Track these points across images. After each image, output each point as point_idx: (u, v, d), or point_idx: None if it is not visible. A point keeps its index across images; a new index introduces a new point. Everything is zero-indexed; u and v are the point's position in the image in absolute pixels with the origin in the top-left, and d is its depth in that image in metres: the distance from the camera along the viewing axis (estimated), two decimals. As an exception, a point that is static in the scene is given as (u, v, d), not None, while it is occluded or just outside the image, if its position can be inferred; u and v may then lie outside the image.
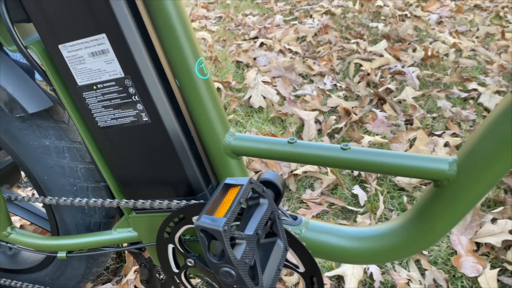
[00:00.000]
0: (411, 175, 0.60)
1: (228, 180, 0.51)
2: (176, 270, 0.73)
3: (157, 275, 0.88)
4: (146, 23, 0.59)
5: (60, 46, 0.60)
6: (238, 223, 0.59)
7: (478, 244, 1.15)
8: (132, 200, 0.69)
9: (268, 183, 0.58)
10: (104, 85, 0.61)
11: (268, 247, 0.53)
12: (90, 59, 0.60)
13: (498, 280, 1.04)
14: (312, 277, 0.64)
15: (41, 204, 1.08)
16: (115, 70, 0.59)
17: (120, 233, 0.79)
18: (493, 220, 1.20)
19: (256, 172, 1.44)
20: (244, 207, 0.54)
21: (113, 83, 0.61)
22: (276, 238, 0.54)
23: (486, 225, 1.18)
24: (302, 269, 0.64)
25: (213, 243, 0.50)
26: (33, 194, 1.38)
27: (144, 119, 0.63)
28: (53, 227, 0.86)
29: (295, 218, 0.71)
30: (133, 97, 0.61)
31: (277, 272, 0.51)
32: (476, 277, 1.05)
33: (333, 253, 0.69)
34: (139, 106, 0.62)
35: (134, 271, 1.07)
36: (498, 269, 1.04)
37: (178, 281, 0.74)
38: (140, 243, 0.78)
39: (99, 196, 0.82)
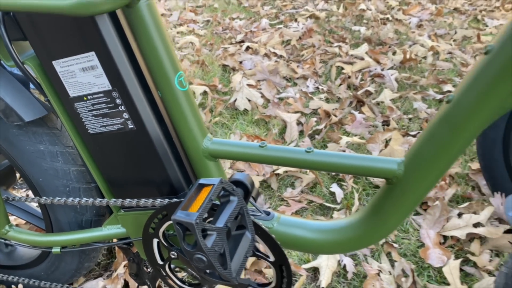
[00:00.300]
0: (365, 174, 0.68)
1: (202, 181, 0.59)
2: (161, 262, 0.80)
3: (144, 268, 0.96)
4: (131, 42, 0.66)
5: (53, 62, 0.67)
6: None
7: (445, 237, 1.24)
8: (120, 199, 0.77)
9: (238, 183, 0.66)
10: (94, 96, 0.69)
11: (238, 238, 0.61)
12: (81, 74, 0.67)
13: (462, 270, 1.13)
14: (281, 265, 0.72)
15: (36, 204, 1.15)
16: (103, 83, 0.67)
17: (109, 230, 0.86)
18: (459, 215, 1.29)
19: (241, 172, 1.52)
20: (218, 203, 0.62)
21: (102, 94, 0.68)
22: (245, 230, 0.62)
23: (453, 219, 1.27)
24: (272, 258, 0.72)
25: (190, 234, 0.57)
26: (27, 195, 1.45)
27: (130, 127, 0.70)
28: (47, 225, 0.93)
29: (268, 213, 0.79)
30: (120, 107, 0.68)
31: (245, 259, 0.59)
32: (441, 267, 1.13)
33: (301, 245, 0.77)
34: (125, 115, 0.69)
35: (124, 266, 1.14)
36: (460, 260, 1.13)
37: (163, 272, 0.82)
38: (128, 239, 0.86)
39: (90, 196, 0.89)
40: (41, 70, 0.70)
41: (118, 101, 0.68)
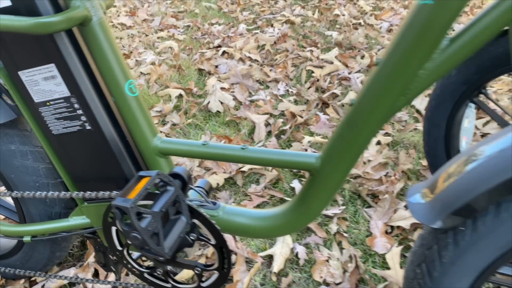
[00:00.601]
0: (290, 167, 0.79)
1: (141, 173, 0.70)
2: (120, 248, 0.91)
3: (110, 256, 1.06)
4: (86, 55, 0.77)
5: (19, 73, 0.77)
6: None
7: (392, 227, 1.36)
8: (82, 192, 0.87)
9: (176, 175, 0.77)
10: (55, 101, 0.79)
11: (174, 221, 0.71)
12: (43, 82, 0.77)
13: (404, 256, 1.24)
14: (221, 247, 0.83)
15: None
16: (62, 90, 0.77)
17: (75, 220, 0.96)
18: (406, 207, 1.40)
19: (208, 170, 1.63)
20: (158, 192, 0.72)
21: (62, 100, 0.78)
22: (181, 215, 0.72)
23: (400, 211, 1.39)
24: (213, 241, 0.83)
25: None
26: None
27: (87, 128, 0.81)
28: (20, 217, 1.03)
29: (214, 203, 0.90)
30: (78, 110, 0.79)
31: (178, 238, 0.70)
32: (384, 254, 1.25)
33: (242, 230, 0.88)
34: (83, 118, 0.80)
35: (94, 256, 1.24)
36: (402, 247, 1.25)
37: (122, 257, 0.92)
38: (91, 228, 0.96)
39: (58, 190, 0.99)
40: (9, 79, 0.80)
41: (76, 105, 0.78)
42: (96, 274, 1.22)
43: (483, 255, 0.71)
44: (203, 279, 0.89)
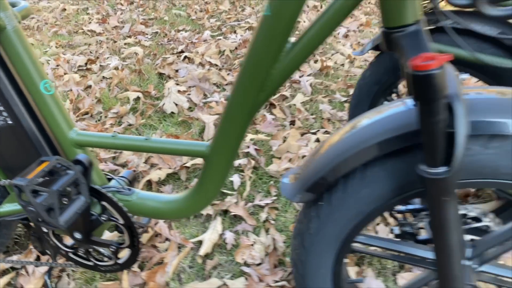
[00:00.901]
0: (187, 155, 0.91)
1: (43, 158, 0.82)
2: (46, 231, 1.02)
3: (45, 240, 1.17)
4: (4, 58, 0.88)
5: None
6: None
7: (317, 216, 1.48)
8: (8, 180, 0.98)
9: (78, 161, 0.89)
10: (-20, 100, 0.91)
11: (74, 200, 0.83)
12: (-32, 83, 0.89)
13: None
14: (130, 226, 0.94)
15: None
16: (-16, 90, 0.89)
17: (8, 207, 1.07)
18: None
19: (152, 166, 1.74)
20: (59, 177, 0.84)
21: (-15, 99, 0.90)
22: (80, 195, 0.85)
23: (325, 201, 1.51)
24: (122, 221, 0.94)
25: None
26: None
27: (9, 123, 0.92)
28: (-39, 206, 1.14)
29: (129, 189, 1.02)
30: (-1, 107, 0.91)
31: (75, 214, 0.82)
32: (305, 239, 1.37)
33: (152, 213, 1.00)
34: (4, 114, 0.91)
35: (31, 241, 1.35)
36: (320, 232, 1.37)
37: (49, 238, 1.03)
38: (23, 214, 1.07)
39: (-7, 181, 1.10)
40: None
41: (-3, 103, 0.90)
42: (38, 259, 1.33)
43: (339, 226, 0.83)
44: (119, 256, 1.01)
